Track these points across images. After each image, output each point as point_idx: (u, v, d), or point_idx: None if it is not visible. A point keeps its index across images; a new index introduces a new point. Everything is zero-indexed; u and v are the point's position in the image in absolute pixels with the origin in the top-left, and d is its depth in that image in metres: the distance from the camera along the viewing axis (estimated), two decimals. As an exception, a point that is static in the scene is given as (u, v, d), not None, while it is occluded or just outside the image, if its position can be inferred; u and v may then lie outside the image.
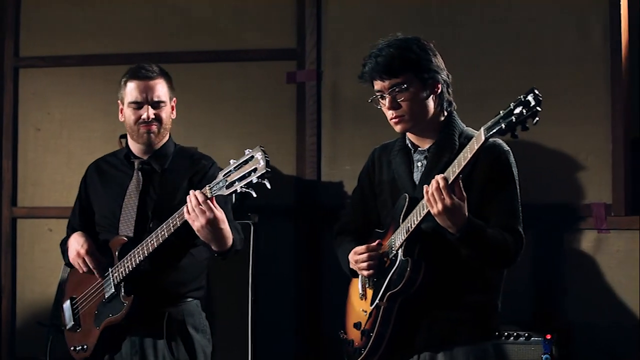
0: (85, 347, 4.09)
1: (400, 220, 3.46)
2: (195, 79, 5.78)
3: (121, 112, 4.16)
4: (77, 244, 4.10)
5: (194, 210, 3.72)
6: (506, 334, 4.81)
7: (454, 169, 3.25)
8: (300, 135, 5.73)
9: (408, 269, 3.39)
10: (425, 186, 3.29)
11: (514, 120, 3.05)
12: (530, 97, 3.02)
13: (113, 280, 4.01)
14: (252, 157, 3.53)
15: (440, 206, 3.23)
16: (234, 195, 3.67)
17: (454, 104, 3.61)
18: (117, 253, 4.02)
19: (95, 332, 4.05)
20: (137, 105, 4.07)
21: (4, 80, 6.14)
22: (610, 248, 5.15)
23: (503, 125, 3.07)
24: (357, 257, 3.56)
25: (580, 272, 5.19)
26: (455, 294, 3.47)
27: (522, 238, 3.44)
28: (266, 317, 5.41)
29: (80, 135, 6.03)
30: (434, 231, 3.40)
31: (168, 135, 4.20)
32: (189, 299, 4.12)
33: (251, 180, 3.53)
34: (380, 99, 3.57)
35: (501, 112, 3.09)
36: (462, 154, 3.24)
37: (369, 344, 3.49)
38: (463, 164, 3.22)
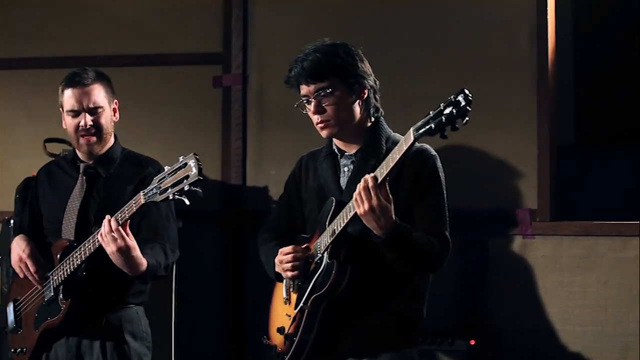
0: (24, 349, 4.09)
1: (327, 224, 3.44)
2: (120, 83, 5.66)
3: (64, 120, 4.13)
4: (18, 247, 4.10)
5: (107, 236, 3.73)
6: (430, 339, 4.82)
7: (382, 170, 3.24)
8: (226, 140, 5.70)
9: (334, 271, 3.36)
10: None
11: (443, 120, 3.04)
12: (460, 97, 3.03)
13: (52, 283, 3.99)
14: (186, 164, 3.53)
15: (367, 206, 3.22)
16: (168, 202, 3.66)
17: (381, 110, 3.62)
18: (58, 256, 4.00)
19: (34, 334, 4.05)
20: (74, 113, 4.06)
21: None
22: (535, 253, 5.17)
23: (432, 125, 3.07)
24: (282, 257, 3.53)
25: (506, 278, 5.21)
26: (380, 301, 3.46)
27: (448, 242, 3.43)
28: (191, 322, 5.40)
29: (6, 139, 5.93)
30: (360, 235, 3.38)
31: (112, 139, 4.17)
32: (130, 306, 4.09)
33: (183, 188, 3.52)
34: (306, 104, 3.57)
35: (431, 112, 3.09)
36: (390, 154, 3.23)
37: (292, 348, 3.46)
38: (391, 164, 3.21)
